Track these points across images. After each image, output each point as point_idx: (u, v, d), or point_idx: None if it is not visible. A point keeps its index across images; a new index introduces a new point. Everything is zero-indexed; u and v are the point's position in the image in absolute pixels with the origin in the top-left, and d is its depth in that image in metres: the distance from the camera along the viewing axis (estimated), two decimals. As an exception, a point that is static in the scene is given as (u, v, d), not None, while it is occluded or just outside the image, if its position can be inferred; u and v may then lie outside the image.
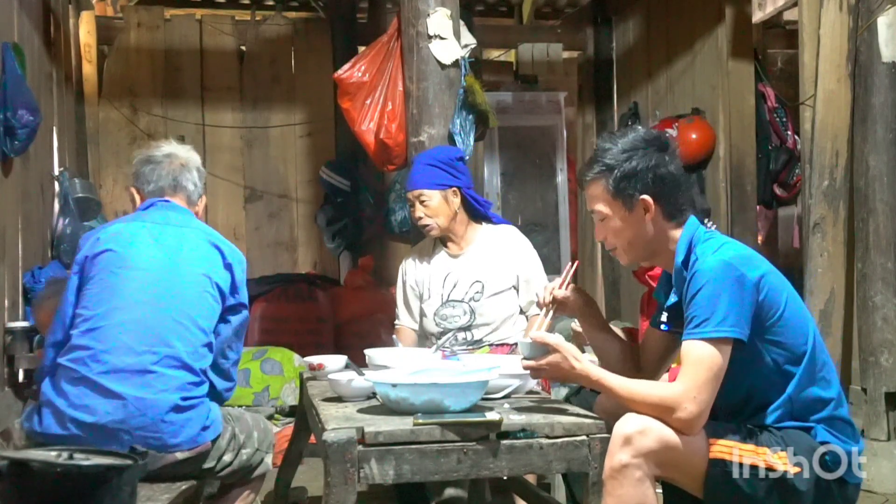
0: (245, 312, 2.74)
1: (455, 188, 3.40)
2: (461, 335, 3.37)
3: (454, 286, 3.40)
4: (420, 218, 3.39)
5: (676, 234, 2.29)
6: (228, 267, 2.64)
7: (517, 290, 3.39)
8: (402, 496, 3.31)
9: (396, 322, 3.57)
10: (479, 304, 3.35)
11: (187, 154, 2.80)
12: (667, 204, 2.28)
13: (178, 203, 2.72)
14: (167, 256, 2.57)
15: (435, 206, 3.37)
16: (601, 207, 2.31)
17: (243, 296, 2.70)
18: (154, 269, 2.54)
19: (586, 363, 2.25)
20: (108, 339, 2.44)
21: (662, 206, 2.28)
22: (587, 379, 2.25)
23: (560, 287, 2.49)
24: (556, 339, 2.28)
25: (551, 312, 2.48)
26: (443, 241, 3.48)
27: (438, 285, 3.43)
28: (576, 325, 2.90)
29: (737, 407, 2.22)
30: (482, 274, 3.38)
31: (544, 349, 2.27)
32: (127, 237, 2.58)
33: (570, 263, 2.61)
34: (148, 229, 2.60)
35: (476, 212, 3.49)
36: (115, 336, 2.45)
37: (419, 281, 3.49)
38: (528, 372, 2.54)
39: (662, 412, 2.10)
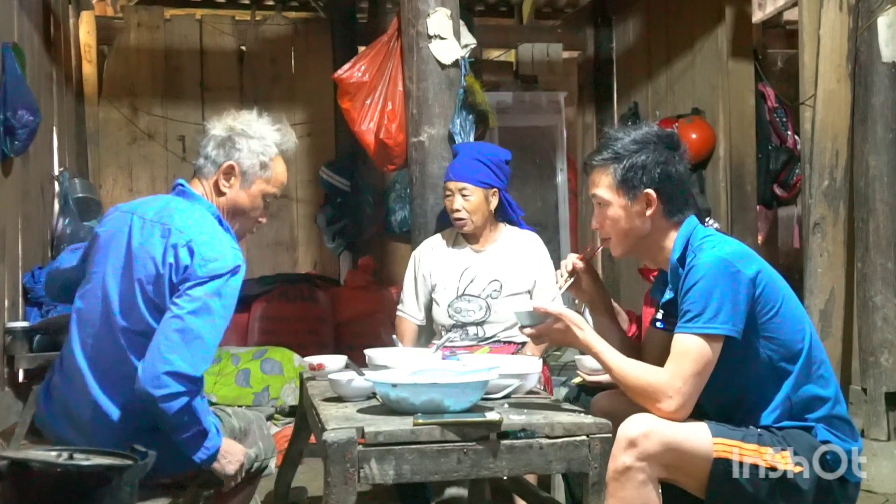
0: (190, 305, 2.22)
1: (496, 189, 3.43)
2: (472, 330, 3.38)
3: (471, 281, 3.41)
4: (457, 210, 3.39)
5: (674, 231, 2.30)
6: (174, 251, 2.27)
7: (531, 295, 3.41)
8: (402, 495, 3.31)
9: (399, 310, 3.57)
10: (496, 301, 3.37)
11: (227, 120, 2.46)
12: (669, 202, 2.28)
13: (191, 186, 2.43)
14: (116, 266, 2.32)
15: (475, 202, 3.39)
16: (603, 193, 2.30)
17: (192, 282, 2.25)
18: (102, 286, 2.32)
19: (590, 333, 2.26)
20: (69, 371, 2.33)
21: (664, 204, 2.28)
22: (588, 348, 2.25)
23: (582, 259, 2.47)
24: (560, 308, 2.27)
25: (568, 283, 2.46)
26: (465, 235, 3.49)
27: (454, 278, 3.43)
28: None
29: (731, 404, 2.22)
30: (501, 273, 3.40)
31: (545, 318, 2.27)
32: (102, 239, 2.37)
33: (594, 242, 2.59)
34: (129, 225, 2.34)
35: (505, 214, 3.51)
36: (74, 367, 2.32)
37: (432, 271, 3.49)
38: (529, 372, 2.55)
39: (646, 399, 2.13)
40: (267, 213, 2.53)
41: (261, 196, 2.46)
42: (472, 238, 3.49)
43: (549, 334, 2.30)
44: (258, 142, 2.43)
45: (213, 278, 2.25)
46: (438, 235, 3.63)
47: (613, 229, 2.32)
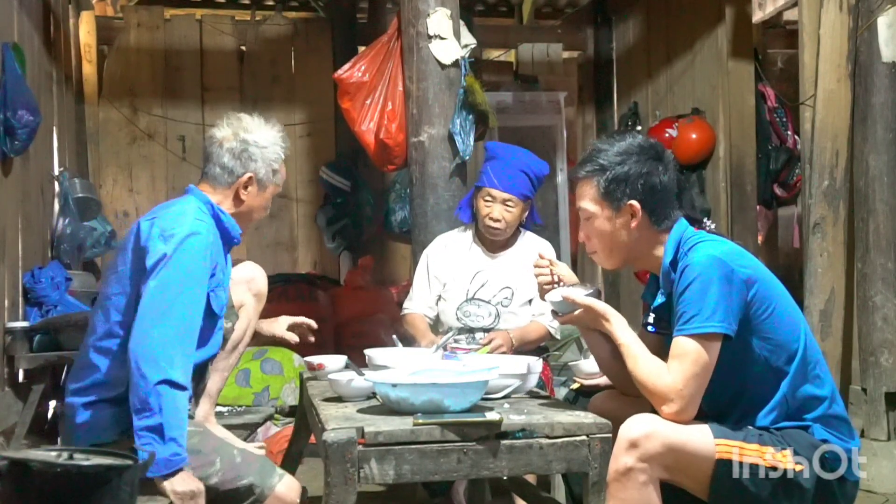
0: (149, 284, 2.33)
1: (530, 201, 3.43)
2: (479, 335, 3.37)
3: (482, 286, 3.39)
4: (497, 220, 3.35)
5: (664, 238, 2.29)
6: (136, 246, 2.42)
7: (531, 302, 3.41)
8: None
9: (405, 309, 3.52)
10: (507, 309, 3.36)
11: (235, 128, 2.58)
12: (654, 212, 2.27)
13: (200, 189, 2.56)
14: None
15: (516, 214, 3.37)
16: (588, 205, 2.31)
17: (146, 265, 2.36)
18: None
19: (616, 324, 2.26)
20: None
21: (650, 214, 2.27)
22: (614, 339, 2.26)
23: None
24: (588, 300, 2.29)
25: (556, 270, 2.50)
26: (481, 237, 3.48)
27: (465, 280, 3.41)
28: None
29: (728, 404, 2.22)
30: (513, 281, 3.38)
31: (575, 307, 2.31)
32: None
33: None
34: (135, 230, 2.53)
35: (524, 223, 3.50)
36: None
37: (444, 269, 3.47)
38: (528, 373, 2.55)
39: (652, 399, 2.14)
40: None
41: (272, 197, 2.64)
42: (487, 242, 3.47)
43: (579, 321, 2.34)
44: (270, 150, 2.59)
45: (168, 246, 2.35)
46: (453, 233, 3.59)
47: (600, 242, 2.33)
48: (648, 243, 2.30)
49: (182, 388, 2.25)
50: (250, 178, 2.55)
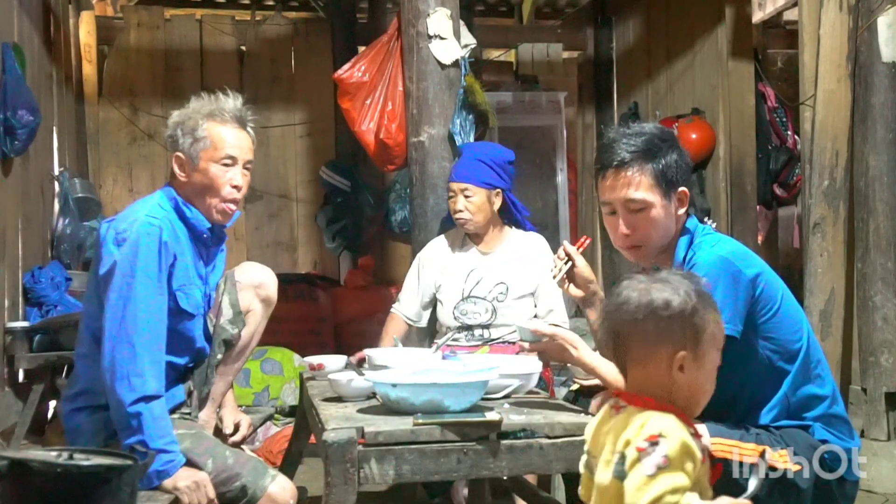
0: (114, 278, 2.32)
1: (499, 190, 3.42)
2: (478, 332, 3.39)
3: (477, 283, 3.41)
4: (460, 211, 3.39)
5: (681, 230, 2.29)
6: (97, 252, 2.43)
7: (534, 298, 3.41)
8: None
9: (394, 308, 3.57)
10: (502, 304, 3.37)
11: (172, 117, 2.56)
12: (690, 200, 2.28)
13: (171, 185, 2.57)
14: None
15: (477, 202, 3.39)
16: (645, 195, 2.19)
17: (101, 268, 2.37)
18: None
19: (583, 351, 2.27)
20: None
21: (690, 201, 2.27)
22: (583, 366, 2.27)
23: (574, 245, 2.48)
24: (553, 329, 2.30)
25: (563, 271, 2.45)
26: (471, 237, 3.49)
27: (460, 279, 3.43)
28: None
29: (728, 403, 2.21)
30: (507, 276, 3.39)
31: (542, 337, 2.31)
32: None
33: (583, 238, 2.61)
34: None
35: (511, 216, 3.51)
36: None
37: (438, 272, 3.49)
38: (528, 372, 2.55)
39: None
40: (241, 176, 2.53)
41: (214, 166, 2.49)
42: (477, 239, 3.48)
43: (548, 352, 2.33)
44: (187, 123, 2.51)
45: (117, 251, 2.35)
46: (443, 237, 3.62)
47: (655, 233, 2.22)
48: (678, 233, 2.28)
49: (157, 396, 2.28)
50: (177, 157, 2.50)
